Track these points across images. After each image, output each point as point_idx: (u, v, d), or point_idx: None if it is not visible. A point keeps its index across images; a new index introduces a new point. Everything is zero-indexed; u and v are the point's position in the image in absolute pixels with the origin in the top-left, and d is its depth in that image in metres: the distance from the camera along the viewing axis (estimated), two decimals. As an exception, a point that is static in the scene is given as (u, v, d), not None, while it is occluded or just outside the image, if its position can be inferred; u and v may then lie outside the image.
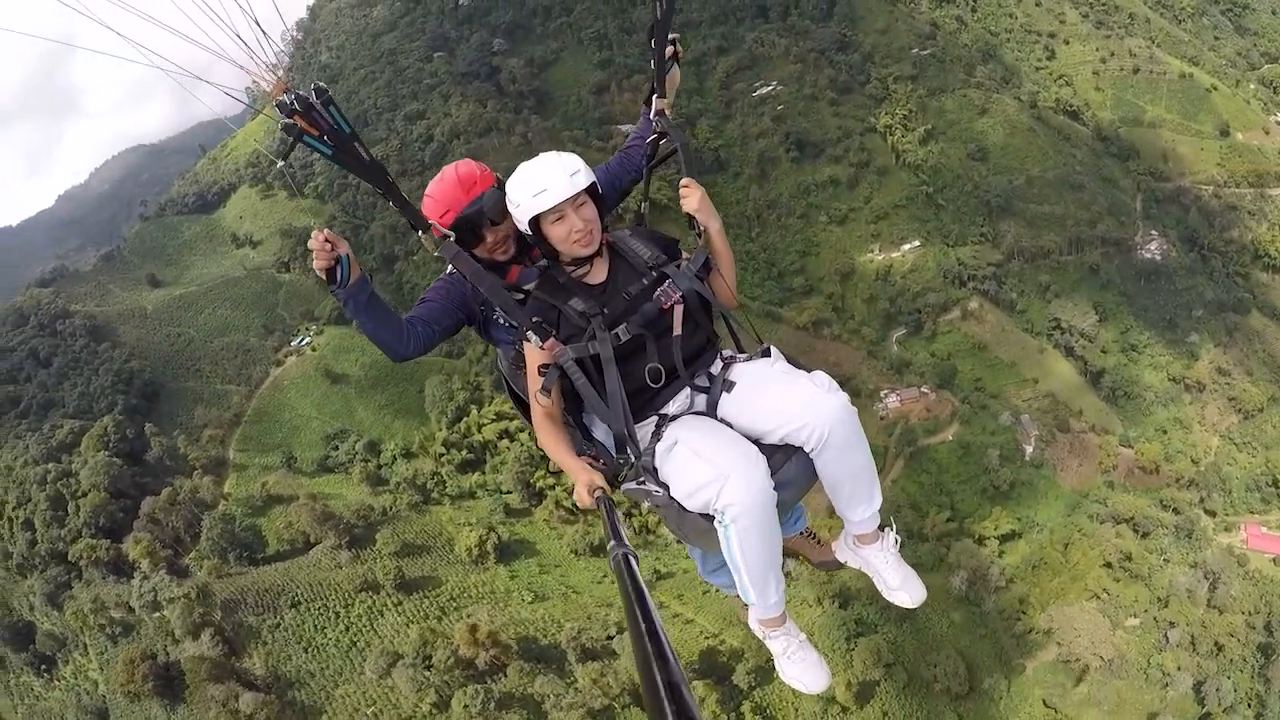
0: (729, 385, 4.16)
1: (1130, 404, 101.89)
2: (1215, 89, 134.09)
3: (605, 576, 75.42)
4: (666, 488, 3.84)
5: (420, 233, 4.21)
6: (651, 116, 4.67)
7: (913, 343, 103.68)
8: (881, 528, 4.36)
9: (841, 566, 4.86)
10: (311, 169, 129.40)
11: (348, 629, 67.01)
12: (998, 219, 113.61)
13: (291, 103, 3.58)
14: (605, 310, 4.15)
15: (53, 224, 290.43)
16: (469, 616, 65.37)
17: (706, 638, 67.53)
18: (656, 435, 4.07)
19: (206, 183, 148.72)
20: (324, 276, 4.04)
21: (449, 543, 78.72)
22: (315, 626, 66.75)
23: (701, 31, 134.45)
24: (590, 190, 4.07)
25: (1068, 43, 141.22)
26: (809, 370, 4.07)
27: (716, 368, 4.30)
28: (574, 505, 65.52)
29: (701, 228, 4.41)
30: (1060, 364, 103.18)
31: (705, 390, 4.22)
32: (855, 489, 4.06)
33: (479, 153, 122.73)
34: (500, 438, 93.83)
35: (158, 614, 65.55)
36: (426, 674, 60.32)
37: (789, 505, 4.04)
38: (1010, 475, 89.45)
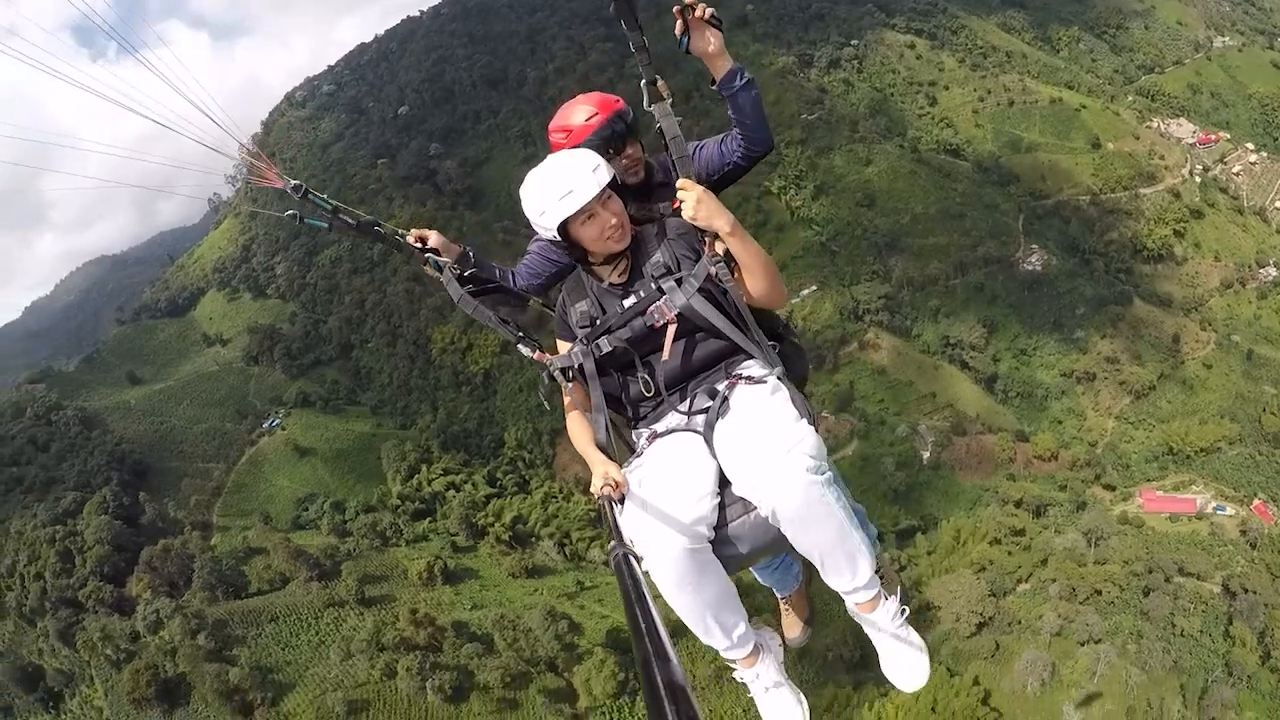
0: (725, 410, 4.10)
1: (1026, 402, 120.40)
2: (1084, 107, 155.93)
3: (536, 590, 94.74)
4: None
5: (425, 266, 4.62)
6: (647, 105, 4.15)
7: (816, 377, 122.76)
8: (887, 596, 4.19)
9: (802, 645, 5.23)
10: (272, 272, 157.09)
11: (317, 633, 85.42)
12: (886, 256, 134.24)
13: (292, 192, 4.29)
14: (598, 320, 4.28)
15: (21, 335, 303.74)
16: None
17: (616, 627, 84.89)
18: (639, 453, 4.22)
19: (176, 288, 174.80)
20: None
21: (404, 572, 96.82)
22: (290, 633, 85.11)
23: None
24: (611, 182, 4.05)
25: (947, 88, 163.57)
26: (801, 413, 4.01)
27: (722, 384, 4.23)
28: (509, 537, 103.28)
29: (710, 234, 4.17)
30: (955, 376, 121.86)
31: (705, 410, 4.17)
32: (826, 563, 3.94)
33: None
34: (448, 489, 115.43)
35: (160, 633, 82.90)
36: (379, 654, 79.03)
37: (745, 563, 4.09)
38: (907, 479, 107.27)
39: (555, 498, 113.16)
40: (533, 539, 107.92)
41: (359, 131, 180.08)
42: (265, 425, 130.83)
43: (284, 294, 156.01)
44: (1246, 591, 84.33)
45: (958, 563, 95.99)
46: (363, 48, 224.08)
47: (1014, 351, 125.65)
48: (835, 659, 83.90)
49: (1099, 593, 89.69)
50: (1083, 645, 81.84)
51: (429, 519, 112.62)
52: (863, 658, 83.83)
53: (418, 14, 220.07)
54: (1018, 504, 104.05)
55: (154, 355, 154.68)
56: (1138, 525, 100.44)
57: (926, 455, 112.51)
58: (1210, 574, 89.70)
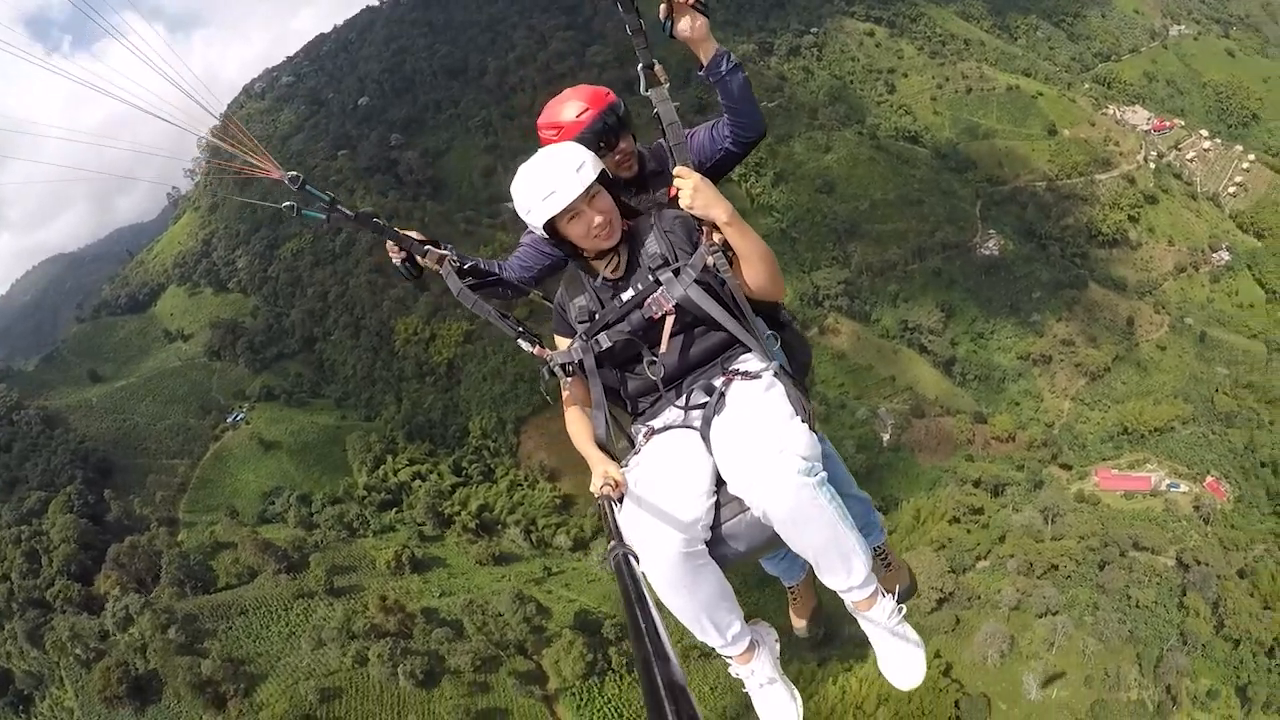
0: (721, 406, 4.05)
1: (983, 385, 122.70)
2: (1041, 94, 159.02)
3: (503, 577, 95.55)
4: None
5: (421, 258, 4.58)
6: (644, 90, 4.11)
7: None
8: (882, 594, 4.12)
9: (808, 635, 5.26)
10: (234, 266, 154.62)
11: (287, 624, 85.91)
12: (846, 242, 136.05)
13: (290, 183, 4.21)
14: (596, 315, 4.24)
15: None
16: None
17: (583, 609, 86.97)
18: (636, 450, 4.20)
19: (136, 284, 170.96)
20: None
21: (372, 562, 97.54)
22: (261, 625, 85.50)
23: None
24: (600, 178, 3.98)
25: (906, 75, 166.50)
26: (796, 410, 3.92)
27: (719, 379, 4.17)
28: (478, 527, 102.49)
29: (707, 223, 4.10)
30: (914, 360, 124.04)
31: (703, 405, 4.13)
32: (821, 563, 3.85)
33: (378, 242, 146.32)
34: (413, 479, 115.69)
35: (130, 630, 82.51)
36: (349, 642, 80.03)
37: (743, 560, 4.04)
38: (868, 461, 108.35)
39: (520, 485, 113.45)
40: (499, 527, 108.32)
41: (319, 123, 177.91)
42: (229, 420, 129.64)
43: (246, 288, 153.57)
44: (1199, 564, 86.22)
45: (918, 541, 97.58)
46: (321, 38, 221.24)
47: (972, 335, 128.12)
48: (799, 639, 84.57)
49: (1056, 568, 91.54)
50: (1040, 618, 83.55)
51: (395, 509, 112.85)
52: (827, 634, 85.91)
53: (377, 3, 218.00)
54: (976, 484, 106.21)
55: (115, 352, 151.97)
56: (1094, 503, 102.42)
57: (886, 437, 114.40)
58: (1164, 548, 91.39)
